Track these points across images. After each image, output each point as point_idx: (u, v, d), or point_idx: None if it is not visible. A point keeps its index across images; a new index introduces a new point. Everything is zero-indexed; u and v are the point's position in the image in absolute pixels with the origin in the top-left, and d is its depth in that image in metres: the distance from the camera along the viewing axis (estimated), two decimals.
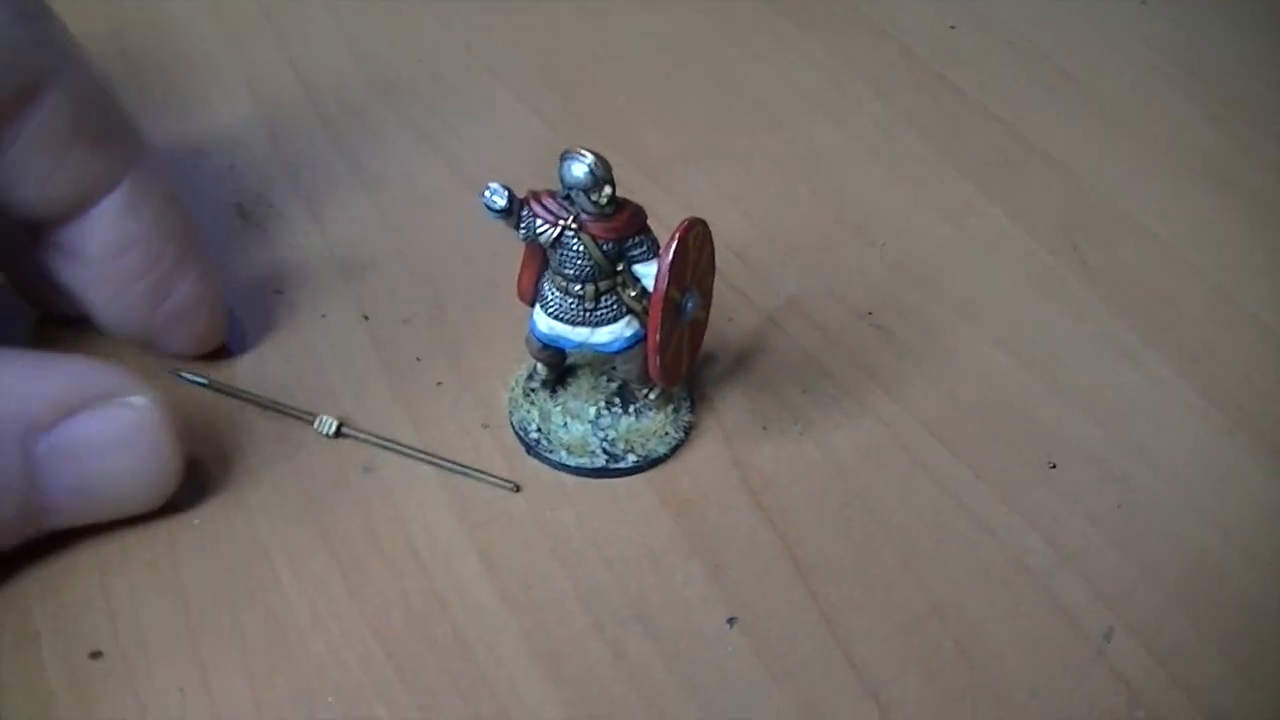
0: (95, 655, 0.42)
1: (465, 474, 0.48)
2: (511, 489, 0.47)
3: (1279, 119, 0.68)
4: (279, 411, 0.50)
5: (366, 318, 0.55)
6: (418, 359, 0.53)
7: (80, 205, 0.45)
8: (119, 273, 0.47)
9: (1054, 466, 0.49)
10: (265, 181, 0.62)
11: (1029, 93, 0.70)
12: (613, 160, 0.42)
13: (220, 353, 0.52)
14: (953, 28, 0.74)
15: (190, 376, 0.51)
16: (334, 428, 0.49)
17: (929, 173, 0.64)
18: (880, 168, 0.64)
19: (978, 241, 0.59)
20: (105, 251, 0.46)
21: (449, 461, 0.48)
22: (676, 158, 0.64)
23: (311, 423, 0.49)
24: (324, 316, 0.55)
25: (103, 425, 0.42)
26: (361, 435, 0.49)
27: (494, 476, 0.47)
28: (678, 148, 0.65)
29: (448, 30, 0.73)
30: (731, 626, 0.43)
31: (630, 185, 0.44)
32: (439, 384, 0.52)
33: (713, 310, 0.48)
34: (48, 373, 0.42)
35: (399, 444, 0.48)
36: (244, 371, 0.52)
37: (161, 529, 0.46)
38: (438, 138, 0.65)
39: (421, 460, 0.48)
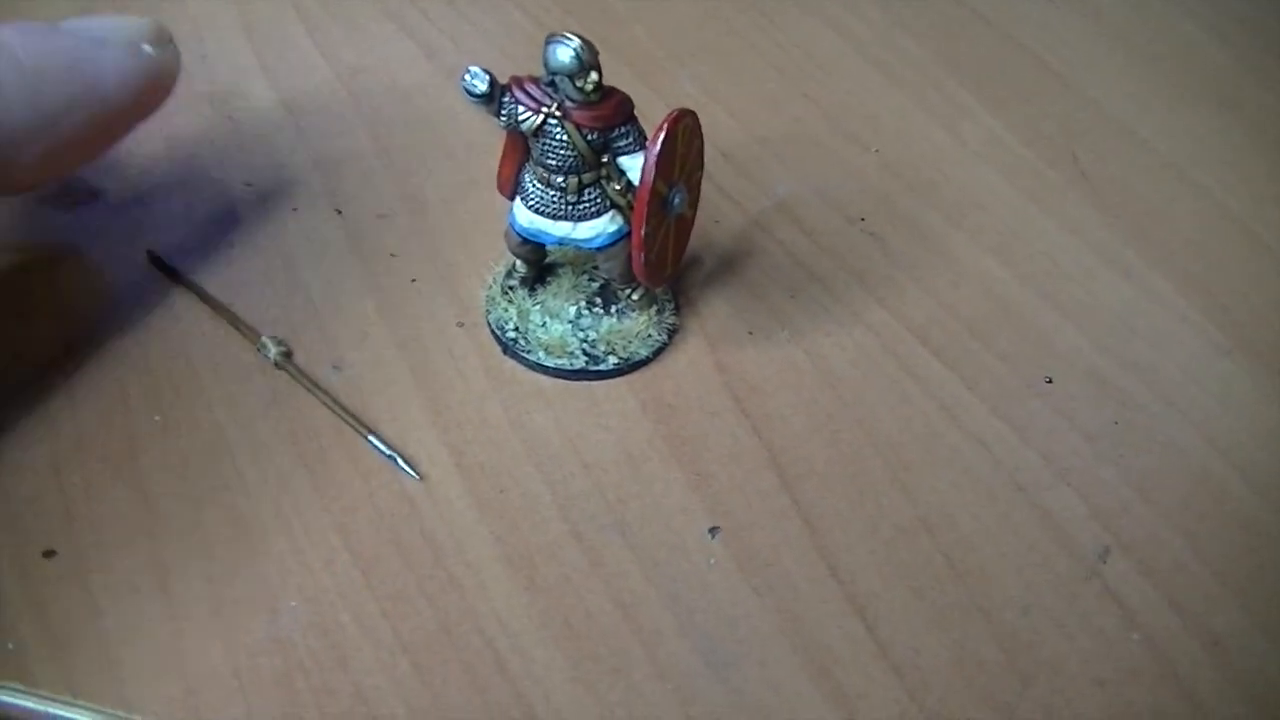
0: (48, 554, 0.41)
1: (378, 450, 0.45)
2: (416, 479, 0.44)
3: None
4: (227, 321, 0.48)
5: (340, 212, 0.53)
6: (392, 255, 0.51)
7: None
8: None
9: (1050, 381, 0.48)
10: (238, 73, 0.60)
11: (1029, 4, 0.68)
12: None
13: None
14: None
15: (163, 260, 0.50)
16: (277, 355, 0.47)
17: (925, 79, 0.62)
18: (876, 73, 0.62)
19: (973, 149, 0.58)
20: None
21: (369, 432, 0.45)
22: (666, 56, 0.63)
23: (254, 345, 0.47)
24: (295, 210, 0.53)
25: None
26: (294, 372, 0.47)
27: (405, 464, 0.44)
28: (666, 46, 0.63)
29: None
30: (713, 536, 0.42)
31: (616, 83, 0.42)
32: (413, 281, 0.50)
33: (699, 211, 0.47)
34: None
35: (331, 399, 0.46)
36: (213, 265, 0.50)
37: (119, 424, 0.45)
38: (418, 30, 0.64)
39: (349, 425, 0.46)
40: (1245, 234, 0.55)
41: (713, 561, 0.42)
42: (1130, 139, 0.59)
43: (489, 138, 0.54)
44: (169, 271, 0.49)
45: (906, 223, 0.54)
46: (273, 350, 0.46)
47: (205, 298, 0.49)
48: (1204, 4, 0.69)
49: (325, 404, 0.45)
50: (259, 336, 0.47)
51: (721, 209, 0.54)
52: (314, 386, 0.46)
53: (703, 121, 0.44)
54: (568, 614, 0.40)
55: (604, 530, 0.42)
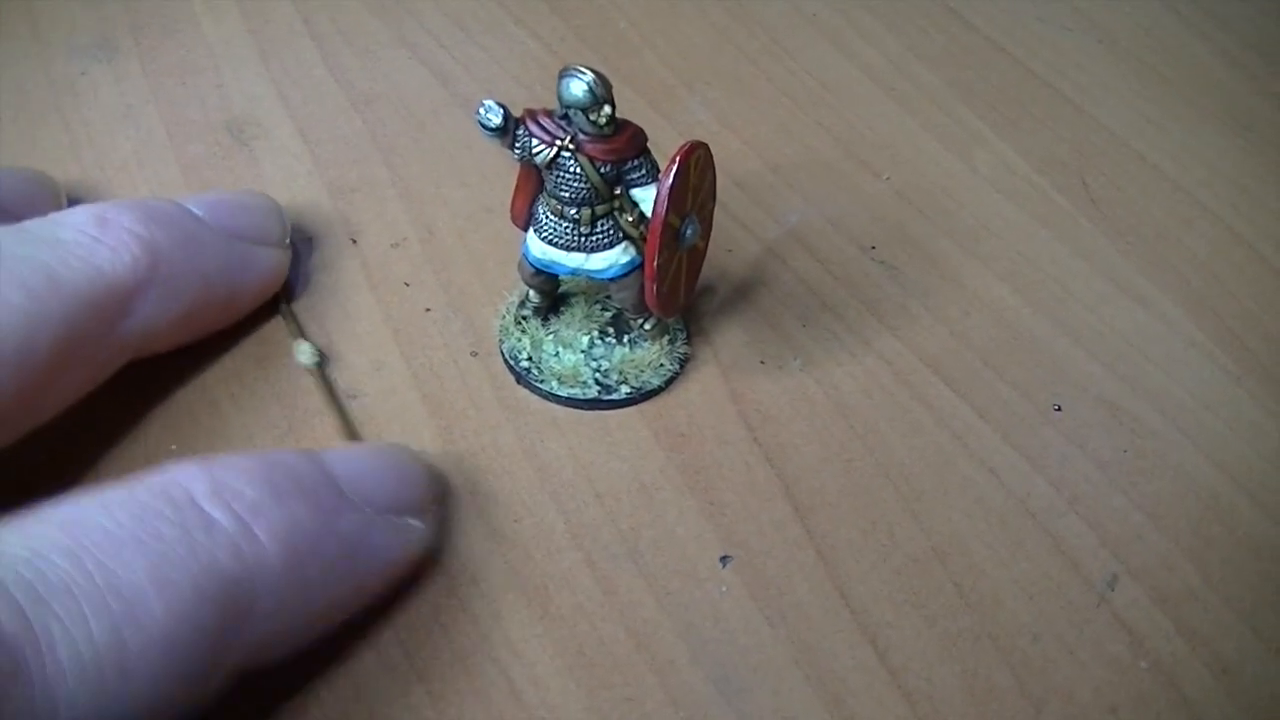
0: None
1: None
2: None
3: None
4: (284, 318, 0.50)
5: (355, 241, 0.53)
6: (406, 284, 0.51)
7: None
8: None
9: (1059, 409, 0.48)
10: (254, 101, 0.61)
11: (1040, 29, 0.68)
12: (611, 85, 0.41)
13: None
14: None
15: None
16: (311, 362, 0.47)
17: (936, 106, 0.62)
18: (887, 100, 0.62)
19: (985, 176, 0.58)
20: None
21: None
22: (678, 83, 0.63)
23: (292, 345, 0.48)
24: (311, 239, 0.53)
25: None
26: (319, 382, 0.47)
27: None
28: (679, 74, 0.63)
29: None
30: (725, 565, 0.42)
31: (629, 111, 0.42)
32: (428, 310, 0.50)
33: (712, 240, 0.47)
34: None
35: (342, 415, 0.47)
36: None
37: (138, 456, 0.45)
38: (432, 57, 0.64)
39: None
40: (1256, 259, 0.55)
41: (725, 590, 0.42)
42: (1141, 164, 0.59)
43: (502, 166, 0.54)
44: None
45: (918, 250, 0.54)
46: (309, 355, 0.47)
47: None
48: (1217, 28, 0.69)
49: (338, 418, 0.46)
50: (300, 340, 0.48)
51: (734, 237, 0.54)
52: (332, 399, 0.47)
53: (715, 149, 0.44)
54: (581, 643, 0.40)
55: (617, 559, 0.42)
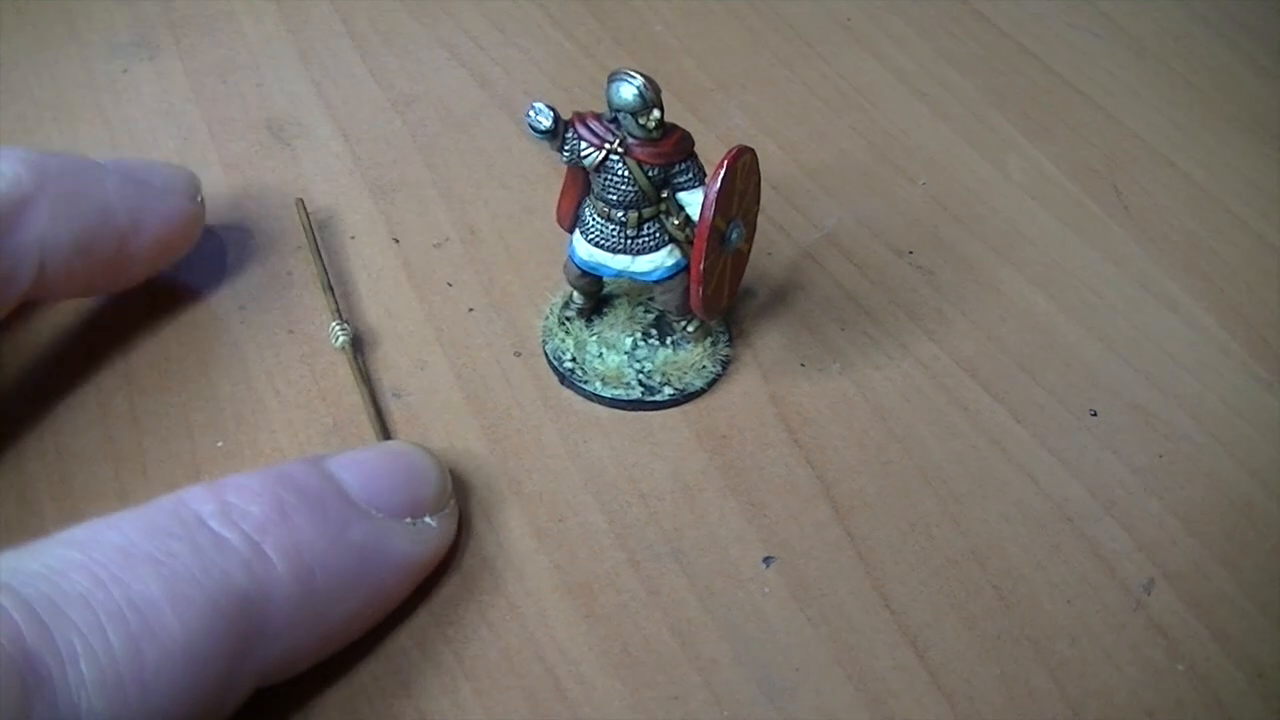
0: None
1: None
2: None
3: None
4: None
5: (397, 241, 0.54)
6: (449, 284, 0.52)
7: None
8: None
9: (1095, 414, 0.48)
10: (294, 100, 0.61)
11: (1070, 35, 0.68)
12: None
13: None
14: None
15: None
16: (344, 341, 0.48)
17: (969, 111, 0.62)
18: (920, 105, 0.63)
19: (1018, 182, 0.58)
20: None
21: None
22: (714, 87, 0.63)
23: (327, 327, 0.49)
24: (353, 238, 0.54)
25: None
26: (352, 359, 0.48)
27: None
28: (715, 77, 0.64)
29: None
30: (768, 566, 0.43)
31: (666, 114, 0.43)
32: (470, 310, 0.51)
33: (753, 244, 0.47)
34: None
35: (373, 405, 0.47)
36: (270, 291, 0.51)
37: (184, 452, 0.46)
38: (471, 59, 0.64)
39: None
40: None
41: (767, 591, 0.42)
42: (1172, 170, 0.60)
43: (542, 167, 0.55)
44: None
45: (953, 255, 0.54)
46: (338, 336, 0.48)
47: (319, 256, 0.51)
48: (1244, 36, 0.69)
49: (364, 403, 0.47)
50: (337, 320, 0.49)
51: (773, 241, 0.54)
52: (364, 383, 0.47)
53: None
54: (626, 642, 0.41)
55: (661, 559, 0.43)
